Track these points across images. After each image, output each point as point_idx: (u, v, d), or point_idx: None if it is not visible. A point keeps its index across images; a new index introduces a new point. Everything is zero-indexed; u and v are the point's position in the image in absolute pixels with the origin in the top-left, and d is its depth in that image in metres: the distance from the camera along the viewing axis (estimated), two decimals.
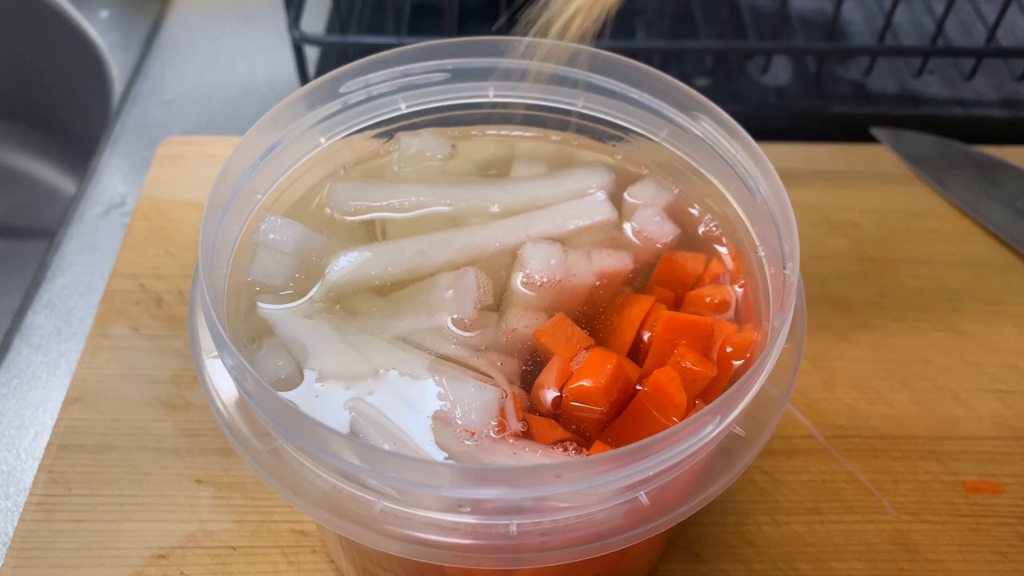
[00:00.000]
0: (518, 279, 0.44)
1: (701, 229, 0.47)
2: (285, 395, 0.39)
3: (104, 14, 0.90)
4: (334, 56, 0.84)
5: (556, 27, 0.44)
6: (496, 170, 0.50)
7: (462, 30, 0.82)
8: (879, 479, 0.54)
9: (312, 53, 0.84)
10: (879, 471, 0.54)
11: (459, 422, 0.38)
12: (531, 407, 0.40)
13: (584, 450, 0.38)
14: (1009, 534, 0.52)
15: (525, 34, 0.46)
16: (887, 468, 0.54)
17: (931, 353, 0.60)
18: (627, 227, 0.47)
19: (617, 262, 0.44)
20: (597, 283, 0.44)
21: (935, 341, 0.61)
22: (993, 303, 0.63)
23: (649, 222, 0.46)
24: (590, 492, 0.34)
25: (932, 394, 0.58)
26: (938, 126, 0.77)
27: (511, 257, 0.45)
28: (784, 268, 0.39)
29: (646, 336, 0.42)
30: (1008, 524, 0.52)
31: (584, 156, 0.50)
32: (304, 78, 0.80)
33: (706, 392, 0.40)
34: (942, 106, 0.80)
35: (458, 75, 0.48)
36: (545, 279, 0.43)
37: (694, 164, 0.47)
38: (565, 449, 0.38)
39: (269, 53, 0.88)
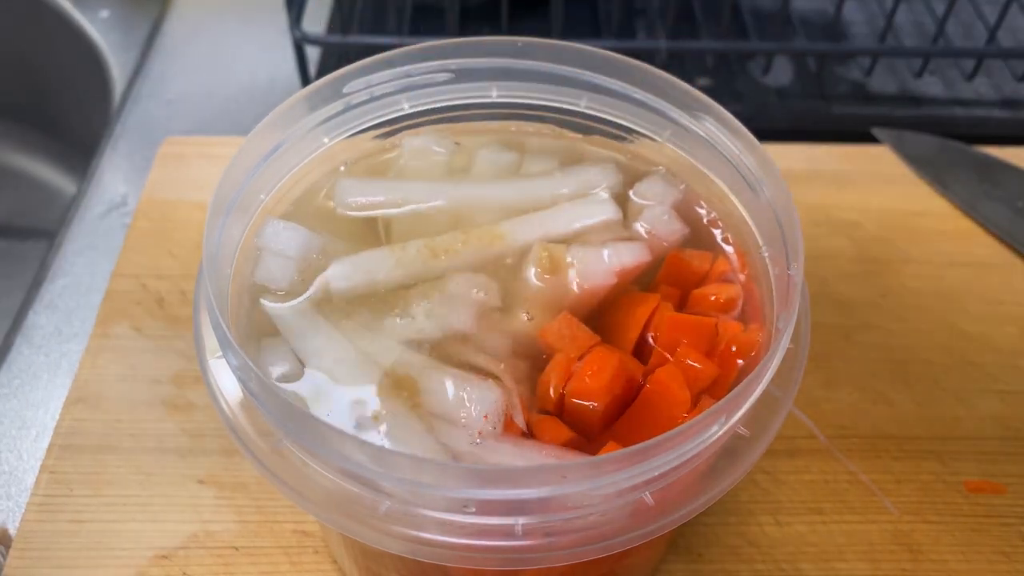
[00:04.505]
0: (529, 277, 0.44)
1: (707, 228, 0.47)
2: (289, 395, 0.39)
3: (104, 14, 0.90)
4: (335, 56, 0.84)
5: None
6: (511, 150, 0.50)
7: (463, 30, 0.82)
8: (881, 479, 0.54)
9: (313, 53, 0.84)
10: (881, 471, 0.54)
11: (464, 422, 0.38)
12: (536, 406, 0.40)
13: (589, 449, 0.39)
14: (1011, 534, 0.52)
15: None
16: (889, 468, 0.54)
17: (933, 353, 0.60)
18: (636, 226, 0.47)
19: (634, 255, 0.44)
20: (616, 280, 0.44)
21: (937, 341, 0.61)
22: (994, 303, 0.63)
23: (657, 220, 0.46)
24: (595, 492, 0.34)
25: (934, 394, 0.58)
26: (939, 126, 0.77)
27: (517, 257, 0.45)
28: (788, 268, 0.40)
29: (650, 336, 0.42)
30: (1010, 524, 0.52)
31: (594, 152, 0.50)
32: (305, 78, 0.80)
33: (713, 392, 0.40)
34: (943, 106, 0.81)
35: (461, 75, 0.48)
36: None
37: (698, 164, 0.47)
38: (570, 449, 0.38)
39: (270, 53, 0.88)
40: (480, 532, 0.34)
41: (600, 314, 0.44)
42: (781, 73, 0.83)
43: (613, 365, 0.39)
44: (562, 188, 0.48)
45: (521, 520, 0.34)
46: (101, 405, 0.55)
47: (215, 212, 0.40)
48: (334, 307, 0.43)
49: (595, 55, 0.47)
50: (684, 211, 0.47)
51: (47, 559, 0.49)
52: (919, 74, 0.82)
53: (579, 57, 0.47)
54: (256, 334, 0.42)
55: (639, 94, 0.47)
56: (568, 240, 0.45)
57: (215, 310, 0.36)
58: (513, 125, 0.51)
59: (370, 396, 0.39)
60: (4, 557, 0.50)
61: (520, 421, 0.39)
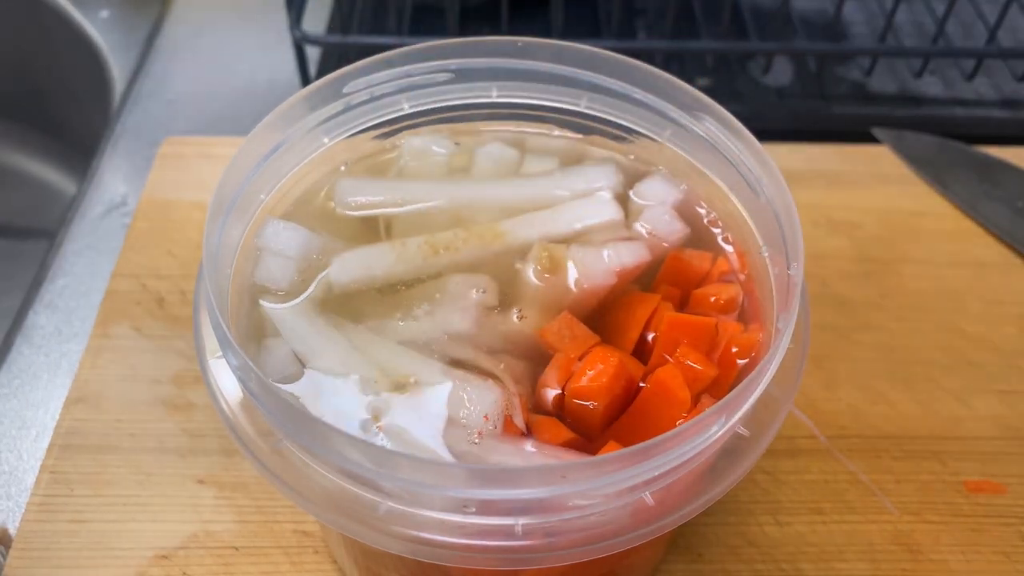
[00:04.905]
0: (529, 276, 0.44)
1: (707, 228, 0.47)
2: (289, 395, 0.39)
3: (104, 14, 0.90)
4: (335, 56, 0.84)
5: None
6: (512, 147, 0.50)
7: (463, 30, 0.82)
8: (881, 479, 0.54)
9: (313, 53, 0.84)
10: (881, 471, 0.54)
11: (464, 422, 0.38)
12: (536, 406, 0.40)
13: (589, 449, 0.39)
14: (1011, 534, 0.52)
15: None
16: (889, 468, 0.54)
17: (933, 353, 0.60)
18: (636, 226, 0.47)
19: (634, 255, 0.44)
20: (616, 281, 0.44)
21: (937, 341, 0.61)
22: (995, 303, 0.64)
23: (658, 220, 0.46)
24: (595, 492, 0.34)
25: (934, 394, 0.58)
26: (939, 126, 0.77)
27: (517, 256, 0.45)
28: (788, 268, 0.40)
29: (650, 336, 0.42)
30: (1010, 524, 0.52)
31: (594, 152, 0.50)
32: (305, 78, 0.80)
33: (713, 392, 0.40)
34: (943, 106, 0.81)
35: (461, 75, 0.48)
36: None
37: (698, 164, 0.47)
38: (570, 449, 0.38)
39: (270, 53, 0.88)
40: (480, 532, 0.34)
41: (600, 314, 0.44)
42: (781, 73, 0.83)
43: (613, 365, 0.39)
44: (562, 188, 0.48)
45: (521, 520, 0.34)
46: (101, 405, 0.55)
47: (215, 212, 0.40)
48: (334, 307, 0.43)
49: (595, 55, 0.47)
50: (684, 211, 0.47)
51: (47, 559, 0.49)
52: (919, 74, 0.82)
53: (579, 57, 0.47)
54: (256, 334, 0.42)
55: (639, 94, 0.47)
56: (569, 240, 0.45)
57: (215, 310, 0.36)
58: (513, 125, 0.51)
59: (370, 396, 0.39)
60: (4, 557, 0.50)
61: (520, 422, 0.39)
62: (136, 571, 0.49)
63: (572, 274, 0.44)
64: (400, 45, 0.48)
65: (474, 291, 0.43)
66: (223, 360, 0.38)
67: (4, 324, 0.66)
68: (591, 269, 0.44)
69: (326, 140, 0.47)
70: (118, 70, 0.85)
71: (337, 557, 0.49)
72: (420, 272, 0.44)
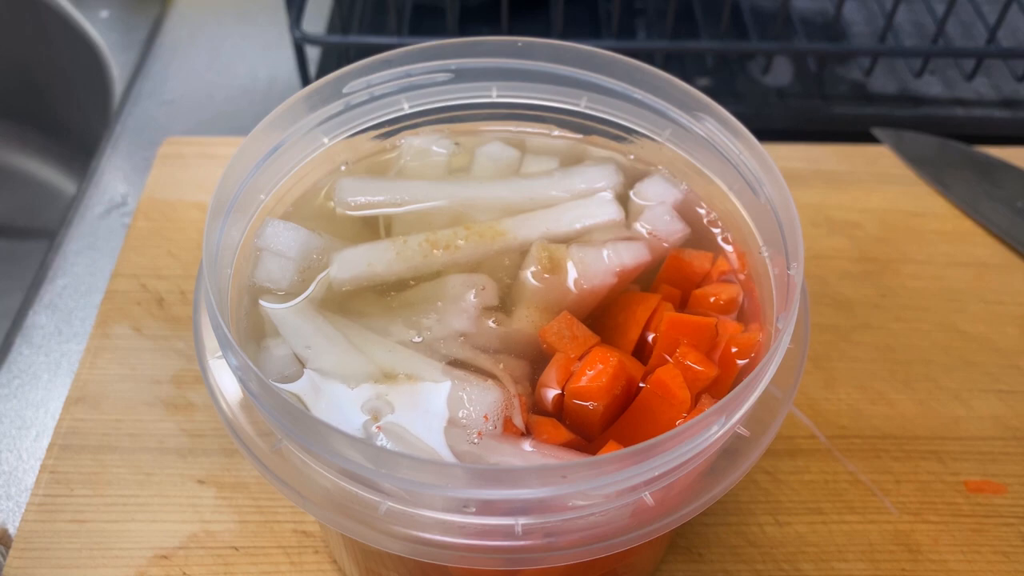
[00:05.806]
0: (529, 276, 0.44)
1: (707, 228, 0.47)
2: (289, 395, 0.39)
3: (104, 14, 0.90)
4: (335, 56, 0.84)
5: None
6: (512, 147, 0.50)
7: (463, 30, 0.82)
8: (881, 479, 0.54)
9: (313, 53, 0.84)
10: (881, 471, 0.54)
11: (464, 422, 0.38)
12: (536, 407, 0.40)
13: (589, 449, 0.38)
14: (1011, 534, 0.52)
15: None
16: (889, 468, 0.54)
17: (933, 353, 0.60)
18: (636, 226, 0.47)
19: (634, 255, 0.44)
20: (616, 281, 0.44)
21: (936, 341, 0.61)
22: (994, 303, 0.64)
23: (658, 220, 0.46)
24: (596, 492, 0.34)
25: (934, 394, 0.58)
26: (939, 126, 0.77)
27: (517, 255, 0.45)
28: (788, 268, 0.40)
29: (650, 336, 0.42)
30: (1010, 524, 0.52)
31: (594, 152, 0.50)
32: (305, 78, 0.80)
33: (713, 392, 0.40)
34: (943, 106, 0.81)
35: (461, 75, 0.48)
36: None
37: (697, 164, 0.47)
38: (570, 448, 0.38)
39: (270, 53, 0.88)
40: (480, 532, 0.34)
41: (600, 314, 0.44)
42: (781, 73, 0.83)
43: (613, 365, 0.39)
44: (563, 188, 0.48)
45: (521, 520, 0.34)
46: (101, 405, 0.56)
47: (215, 212, 0.40)
48: (334, 307, 0.43)
49: (595, 55, 0.47)
50: (684, 211, 0.47)
51: (47, 559, 0.49)
52: (919, 74, 0.82)
53: (579, 57, 0.47)
54: (256, 334, 0.42)
55: (639, 94, 0.47)
56: (569, 239, 0.45)
57: (215, 310, 0.36)
58: (513, 125, 0.51)
59: (370, 396, 0.39)
60: (4, 557, 0.50)
61: (519, 422, 0.39)
62: (136, 571, 0.49)
63: (572, 274, 0.44)
64: (400, 45, 0.48)
65: (473, 291, 0.43)
66: (223, 360, 0.38)
67: (4, 324, 0.66)
68: (591, 269, 0.44)
69: (326, 140, 0.47)
70: (118, 70, 0.85)
71: (337, 557, 0.49)
72: (420, 270, 0.44)
